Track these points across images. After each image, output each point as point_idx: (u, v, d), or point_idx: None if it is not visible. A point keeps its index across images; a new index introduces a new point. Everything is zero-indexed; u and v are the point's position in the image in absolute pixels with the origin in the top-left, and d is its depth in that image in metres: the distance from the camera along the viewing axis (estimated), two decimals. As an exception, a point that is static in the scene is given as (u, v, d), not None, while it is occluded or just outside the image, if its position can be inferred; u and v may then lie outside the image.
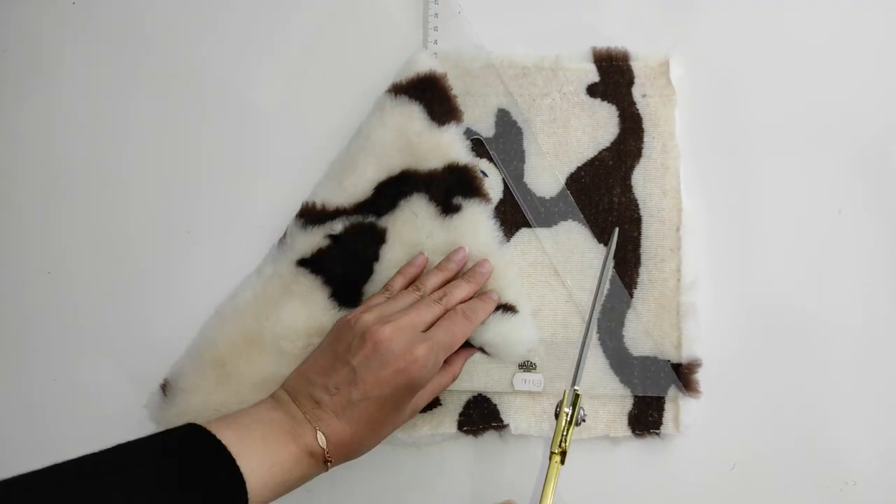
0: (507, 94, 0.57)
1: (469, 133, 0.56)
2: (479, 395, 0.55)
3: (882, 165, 0.57)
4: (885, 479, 0.55)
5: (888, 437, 0.55)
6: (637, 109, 0.57)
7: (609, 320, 0.55)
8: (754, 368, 0.56)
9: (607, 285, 0.55)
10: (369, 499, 0.55)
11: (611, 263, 0.55)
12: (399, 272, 0.54)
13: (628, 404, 0.55)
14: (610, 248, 0.55)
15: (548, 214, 0.56)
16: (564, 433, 0.49)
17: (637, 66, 0.57)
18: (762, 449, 0.55)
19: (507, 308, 0.54)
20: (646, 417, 0.55)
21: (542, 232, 0.56)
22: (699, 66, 0.58)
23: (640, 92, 0.57)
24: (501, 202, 0.57)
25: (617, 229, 0.55)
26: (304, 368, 0.49)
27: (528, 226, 0.56)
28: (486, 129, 0.57)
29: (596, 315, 0.54)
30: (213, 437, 0.43)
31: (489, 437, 0.56)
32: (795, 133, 0.58)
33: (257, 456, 0.43)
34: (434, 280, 0.53)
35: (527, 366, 0.55)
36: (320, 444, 0.46)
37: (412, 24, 0.58)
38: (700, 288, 0.56)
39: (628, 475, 0.55)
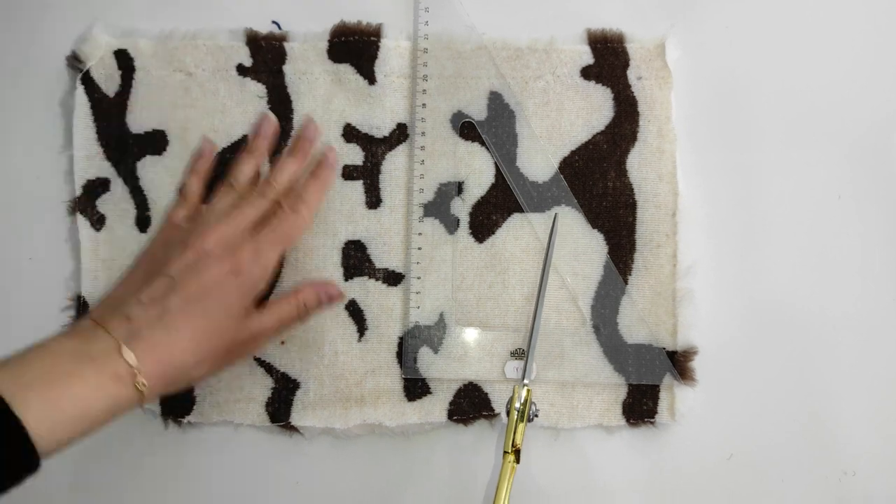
0: (500, 77, 0.56)
1: (460, 116, 0.55)
2: (470, 383, 0.54)
3: (884, 151, 0.56)
4: (885, 469, 0.54)
5: (888, 427, 0.54)
6: (632, 92, 0.56)
7: (603, 307, 0.54)
8: (751, 356, 0.55)
9: (550, 274, 0.54)
10: (356, 489, 0.54)
11: (552, 250, 0.54)
12: (243, 150, 0.50)
13: (622, 393, 0.54)
14: (553, 235, 0.54)
15: (540, 199, 0.55)
16: (516, 431, 0.47)
17: (632, 47, 0.56)
18: (759, 438, 0.54)
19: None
20: (640, 406, 0.54)
21: (534, 217, 0.55)
22: (696, 48, 0.56)
23: (636, 74, 0.56)
24: (493, 186, 0.55)
25: (557, 214, 0.54)
26: (113, 292, 0.43)
27: (521, 210, 0.55)
28: (478, 112, 0.56)
29: (542, 307, 0.53)
30: None
31: (479, 426, 0.54)
32: (795, 117, 0.57)
33: (40, 393, 0.36)
34: (246, 169, 0.49)
35: (519, 353, 0.54)
36: (127, 360, 0.38)
37: (402, 4, 0.56)
38: (697, 274, 0.54)
39: (622, 464, 0.54)
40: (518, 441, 0.46)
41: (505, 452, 0.47)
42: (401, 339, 0.54)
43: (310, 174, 0.50)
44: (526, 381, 0.49)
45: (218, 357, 0.43)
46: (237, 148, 0.55)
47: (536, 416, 0.49)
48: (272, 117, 0.51)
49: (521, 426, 0.47)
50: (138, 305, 0.41)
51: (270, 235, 0.46)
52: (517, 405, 0.48)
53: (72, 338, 0.39)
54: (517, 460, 0.47)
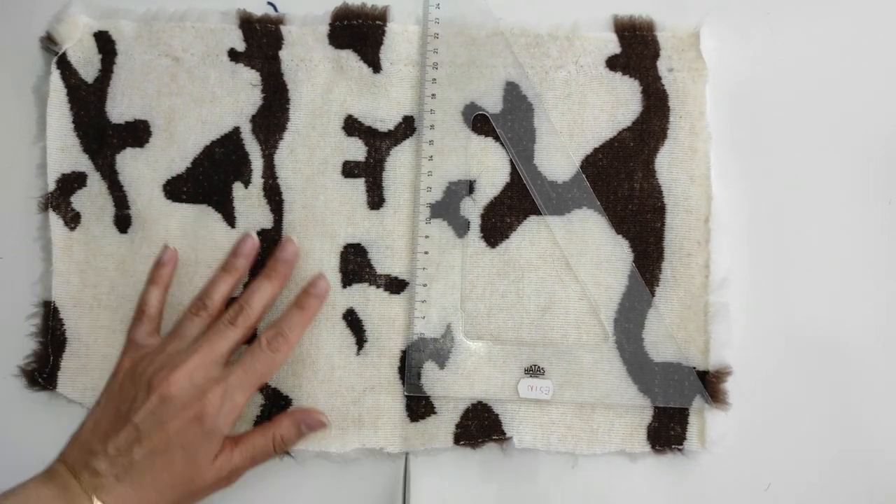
0: (517, 66, 0.52)
1: (473, 108, 0.52)
2: (479, 402, 0.50)
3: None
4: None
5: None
6: (662, 85, 0.52)
7: (627, 321, 0.51)
8: (791, 377, 0.51)
9: None
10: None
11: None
12: (219, 268, 0.49)
13: (647, 416, 0.51)
14: None
15: (560, 201, 0.52)
16: None
17: (663, 36, 0.53)
18: (800, 468, 0.51)
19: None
20: (667, 431, 0.50)
21: (553, 220, 0.52)
22: (734, 36, 0.53)
23: (667, 66, 0.53)
24: (508, 186, 0.52)
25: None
26: (83, 433, 0.45)
27: (538, 213, 0.52)
28: (493, 104, 0.52)
29: None
30: None
31: (489, 450, 0.51)
32: (842, 114, 0.53)
33: None
34: (222, 288, 0.48)
35: (534, 370, 0.51)
36: None
37: (412, -15, 0.53)
38: (731, 286, 0.51)
39: (646, 495, 0.51)
40: None
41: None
42: (403, 352, 0.51)
43: (294, 303, 0.49)
44: None
45: (187, 498, 0.45)
46: (226, 141, 0.52)
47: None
48: (254, 237, 0.50)
49: None
50: (105, 458, 0.43)
51: (242, 377, 0.45)
52: None
53: (49, 485, 0.43)
54: None
